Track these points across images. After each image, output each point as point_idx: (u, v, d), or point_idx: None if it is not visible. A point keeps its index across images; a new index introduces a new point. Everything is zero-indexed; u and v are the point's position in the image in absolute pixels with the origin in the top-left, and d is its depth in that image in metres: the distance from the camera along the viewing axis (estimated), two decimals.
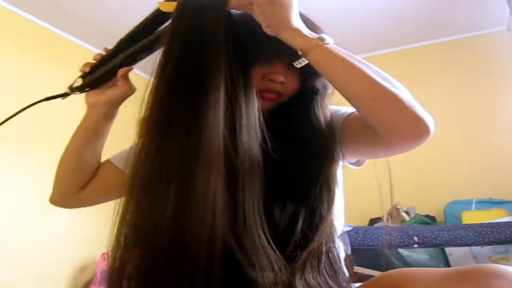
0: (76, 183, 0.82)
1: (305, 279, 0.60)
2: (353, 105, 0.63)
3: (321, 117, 0.75)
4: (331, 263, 0.66)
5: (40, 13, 2.56)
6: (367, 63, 0.62)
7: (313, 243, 0.63)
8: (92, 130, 0.80)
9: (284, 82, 0.72)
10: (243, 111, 0.60)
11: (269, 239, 0.58)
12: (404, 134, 0.60)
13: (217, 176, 0.53)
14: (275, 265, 0.57)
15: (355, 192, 1.89)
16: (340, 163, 0.77)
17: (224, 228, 0.53)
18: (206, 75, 0.56)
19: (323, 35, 0.61)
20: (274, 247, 0.58)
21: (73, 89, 0.70)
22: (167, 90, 0.57)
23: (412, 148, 0.62)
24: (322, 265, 0.63)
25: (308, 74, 0.72)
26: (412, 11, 2.66)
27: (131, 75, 0.77)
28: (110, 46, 0.78)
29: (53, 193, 0.85)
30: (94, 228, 2.26)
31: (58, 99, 0.77)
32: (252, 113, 0.62)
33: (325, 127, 0.74)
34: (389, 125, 0.60)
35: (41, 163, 2.47)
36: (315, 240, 0.63)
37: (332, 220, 0.68)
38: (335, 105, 0.81)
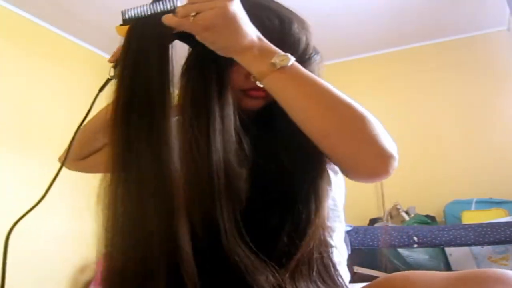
0: (84, 154, 0.84)
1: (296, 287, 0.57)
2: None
3: None
4: (325, 269, 0.62)
5: (40, 13, 2.56)
6: (327, 88, 0.56)
7: (301, 249, 0.59)
8: None
9: None
10: (217, 115, 0.58)
11: (252, 248, 0.56)
12: (360, 173, 0.58)
13: (178, 198, 0.53)
14: (263, 271, 0.56)
15: (355, 192, 1.89)
16: None
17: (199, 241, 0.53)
18: (156, 96, 0.55)
19: (277, 59, 0.55)
20: (260, 255, 0.57)
21: (112, 77, 0.68)
22: (121, 116, 0.55)
23: (375, 181, 0.59)
24: (315, 273, 0.60)
25: None
26: (412, 11, 2.66)
27: None
28: (110, 45, 0.77)
29: (63, 154, 0.87)
30: (94, 228, 2.25)
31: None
32: (227, 116, 0.59)
33: None
34: (344, 163, 0.57)
35: (41, 163, 2.47)
36: (303, 247, 0.59)
37: (323, 223, 0.63)
38: None
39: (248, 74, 0.64)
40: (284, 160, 0.63)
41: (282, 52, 0.56)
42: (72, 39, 2.84)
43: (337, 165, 0.59)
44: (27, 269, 2.23)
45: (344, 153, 0.55)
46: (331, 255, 0.65)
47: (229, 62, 0.61)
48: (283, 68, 0.54)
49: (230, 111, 0.60)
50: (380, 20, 2.78)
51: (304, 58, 0.67)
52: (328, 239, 0.65)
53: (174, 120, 0.59)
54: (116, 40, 0.74)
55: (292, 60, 0.55)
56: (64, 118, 2.65)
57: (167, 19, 0.54)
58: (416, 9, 2.65)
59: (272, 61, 0.54)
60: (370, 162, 0.55)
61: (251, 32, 0.55)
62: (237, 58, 0.56)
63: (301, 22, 0.68)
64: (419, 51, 3.12)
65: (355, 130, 0.54)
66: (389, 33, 2.97)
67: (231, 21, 0.51)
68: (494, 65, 2.88)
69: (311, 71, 0.67)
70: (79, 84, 2.81)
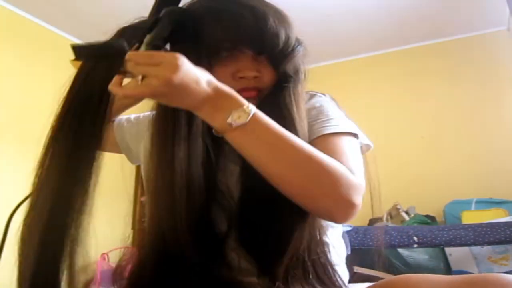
0: None
1: None
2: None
3: (294, 109, 0.65)
4: (323, 270, 0.61)
5: (40, 13, 2.56)
6: (288, 142, 0.54)
7: (287, 254, 0.58)
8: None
9: (258, 76, 0.64)
10: (182, 123, 0.58)
11: (246, 250, 0.57)
12: (319, 214, 0.59)
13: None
14: (255, 274, 0.56)
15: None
16: None
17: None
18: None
19: (233, 116, 0.52)
20: (252, 258, 0.57)
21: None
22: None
23: (342, 222, 0.59)
24: (311, 275, 0.59)
25: (277, 60, 0.65)
26: (412, 11, 2.66)
27: None
28: None
29: None
30: (94, 228, 2.25)
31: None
32: (194, 122, 0.59)
33: (299, 125, 0.64)
34: (303, 206, 0.57)
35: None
36: (289, 251, 0.58)
37: (313, 223, 0.61)
38: (317, 96, 0.75)
39: (235, 73, 0.63)
40: None
41: (241, 101, 0.53)
42: (72, 39, 2.84)
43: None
44: None
45: (303, 201, 0.55)
46: (328, 254, 0.63)
47: (212, 62, 0.61)
48: (241, 126, 0.52)
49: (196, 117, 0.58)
50: (380, 20, 2.78)
51: (286, 52, 0.65)
52: (324, 237, 0.64)
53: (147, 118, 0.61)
54: None
55: (251, 112, 0.52)
56: None
57: (115, 88, 0.54)
58: (416, 9, 2.65)
59: (228, 120, 0.51)
60: (328, 211, 0.55)
61: (203, 89, 0.51)
62: (195, 113, 0.54)
63: (278, 15, 0.65)
64: (419, 51, 3.12)
65: (317, 183, 0.54)
66: (389, 34, 2.97)
67: (178, 89, 0.49)
68: (494, 65, 2.88)
69: (295, 65, 0.67)
70: None
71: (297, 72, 0.68)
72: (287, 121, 0.62)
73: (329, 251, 0.64)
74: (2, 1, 2.39)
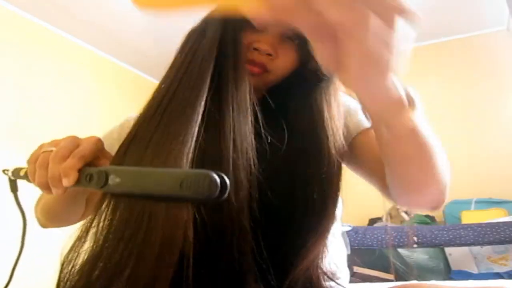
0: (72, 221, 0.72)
1: None
2: (389, 166, 0.53)
3: (325, 110, 0.59)
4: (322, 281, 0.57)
5: (40, 13, 2.56)
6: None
7: (296, 268, 0.53)
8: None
9: (271, 55, 0.58)
10: (232, 88, 0.52)
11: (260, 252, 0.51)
12: (419, 204, 0.57)
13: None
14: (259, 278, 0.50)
15: (355, 192, 1.89)
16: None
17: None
18: None
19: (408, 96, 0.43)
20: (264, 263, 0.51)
21: None
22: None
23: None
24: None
25: (310, 54, 0.57)
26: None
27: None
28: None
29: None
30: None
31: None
32: (243, 92, 0.53)
33: (330, 128, 0.58)
34: (410, 194, 0.55)
35: None
36: (298, 266, 0.53)
37: (323, 242, 0.56)
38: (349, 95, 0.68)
39: (252, 42, 0.58)
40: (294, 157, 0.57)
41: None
42: (72, 39, 2.84)
43: (396, 192, 0.57)
44: (27, 269, 2.23)
45: (417, 180, 0.54)
46: (325, 264, 0.59)
47: (240, 27, 0.56)
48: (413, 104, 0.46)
49: (246, 87, 0.53)
50: None
51: None
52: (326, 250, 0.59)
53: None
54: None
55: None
56: (63, 118, 2.65)
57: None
58: (416, 9, 2.65)
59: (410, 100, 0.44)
60: (435, 196, 0.56)
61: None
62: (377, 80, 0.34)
63: None
64: (418, 51, 3.12)
65: (434, 165, 0.53)
66: None
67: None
68: (493, 65, 2.88)
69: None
70: (79, 84, 2.82)
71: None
72: (318, 123, 0.58)
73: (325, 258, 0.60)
74: (2, 1, 2.39)
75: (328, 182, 0.57)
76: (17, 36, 2.48)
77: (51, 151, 0.48)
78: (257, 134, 0.54)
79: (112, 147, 0.66)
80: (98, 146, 0.50)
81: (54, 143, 0.49)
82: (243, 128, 0.52)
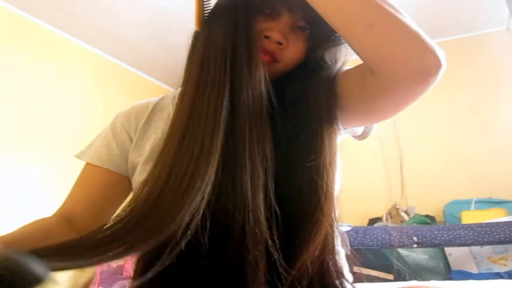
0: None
1: None
2: (344, 36, 0.52)
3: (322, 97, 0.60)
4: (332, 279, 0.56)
5: (40, 13, 2.56)
6: None
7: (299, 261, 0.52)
8: None
9: (282, 44, 0.58)
10: (247, 76, 0.54)
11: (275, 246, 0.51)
12: (408, 69, 0.49)
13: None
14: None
15: (355, 192, 1.89)
16: (339, 139, 0.64)
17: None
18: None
19: None
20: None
21: None
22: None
23: (420, 92, 0.52)
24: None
25: (318, 42, 0.60)
26: (411, 11, 2.64)
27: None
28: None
29: None
30: None
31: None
32: (258, 81, 0.55)
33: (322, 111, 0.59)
34: (389, 58, 0.49)
35: (42, 162, 2.47)
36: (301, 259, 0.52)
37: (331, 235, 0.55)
38: None
39: (264, 30, 0.58)
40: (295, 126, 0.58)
41: None
42: (72, 39, 2.84)
43: (378, 67, 0.51)
44: None
45: (390, 44, 0.49)
46: (338, 262, 0.58)
47: (253, 14, 0.56)
48: None
49: (260, 71, 0.55)
50: None
51: (331, 36, 0.61)
52: (337, 246, 0.58)
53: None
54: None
55: None
56: (63, 118, 2.65)
57: None
58: (415, 9, 2.65)
59: None
60: (421, 52, 0.49)
61: None
62: None
63: None
64: None
65: (402, 18, 0.48)
66: None
67: None
68: (493, 65, 2.88)
69: (336, 54, 0.63)
70: (79, 84, 2.81)
71: (335, 61, 0.62)
72: (313, 109, 0.58)
73: (340, 259, 0.59)
74: (2, 1, 2.39)
75: (323, 167, 0.56)
76: (17, 36, 2.48)
77: None
78: (274, 123, 0.55)
79: (109, 146, 0.69)
80: None
81: None
82: (258, 112, 0.54)
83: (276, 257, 0.50)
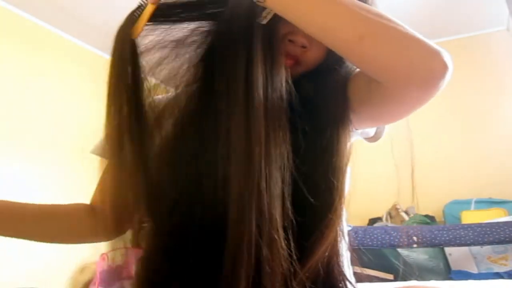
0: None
1: None
2: (339, 52, 0.51)
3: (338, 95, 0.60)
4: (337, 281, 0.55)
5: (40, 13, 2.55)
6: None
7: (316, 253, 0.52)
8: None
9: (306, 47, 0.57)
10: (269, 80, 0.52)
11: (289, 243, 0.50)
12: (411, 76, 0.48)
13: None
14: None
15: (355, 192, 1.89)
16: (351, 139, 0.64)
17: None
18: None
19: None
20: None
21: None
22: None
23: (429, 96, 0.52)
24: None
25: None
26: (411, 12, 2.66)
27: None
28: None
29: None
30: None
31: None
32: (279, 85, 0.54)
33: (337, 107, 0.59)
34: (388, 68, 0.48)
35: (41, 162, 2.47)
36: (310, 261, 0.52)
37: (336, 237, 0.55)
38: None
39: (287, 34, 0.57)
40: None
41: None
42: (72, 39, 2.84)
43: (380, 78, 0.50)
44: (27, 269, 2.23)
45: (384, 54, 0.47)
46: (342, 265, 0.58)
47: (275, 18, 0.53)
48: None
49: (281, 71, 0.54)
50: None
51: None
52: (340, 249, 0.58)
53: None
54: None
55: None
56: (63, 118, 2.65)
57: None
58: (415, 9, 2.65)
59: None
60: (422, 56, 0.48)
61: None
62: None
63: None
64: None
65: (393, 25, 0.48)
66: None
67: None
68: (493, 65, 2.88)
69: None
70: (79, 84, 2.81)
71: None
72: (331, 110, 0.58)
73: (343, 262, 0.59)
74: (2, 1, 2.39)
75: (339, 168, 0.57)
76: (17, 36, 2.48)
77: None
78: (292, 126, 0.54)
79: None
80: None
81: None
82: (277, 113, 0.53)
83: (292, 263, 0.50)
